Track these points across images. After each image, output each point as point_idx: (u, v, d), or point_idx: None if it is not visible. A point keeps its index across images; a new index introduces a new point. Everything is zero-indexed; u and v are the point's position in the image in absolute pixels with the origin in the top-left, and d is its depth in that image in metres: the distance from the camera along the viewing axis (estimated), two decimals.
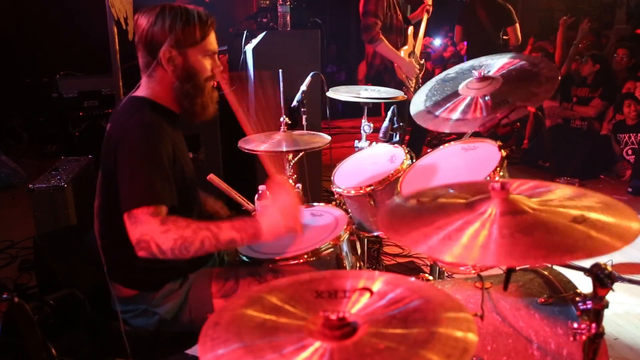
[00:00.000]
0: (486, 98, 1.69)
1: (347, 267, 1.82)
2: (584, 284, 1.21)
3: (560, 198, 1.07)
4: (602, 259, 0.96)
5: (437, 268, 2.10)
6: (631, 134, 4.83)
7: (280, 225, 1.53)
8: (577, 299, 1.05)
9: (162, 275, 1.67)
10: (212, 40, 1.65)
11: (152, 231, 1.42)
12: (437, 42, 9.00)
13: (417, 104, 1.90)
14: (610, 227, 0.94)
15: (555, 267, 1.57)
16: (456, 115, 1.74)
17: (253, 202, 2.29)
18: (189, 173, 1.71)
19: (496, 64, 1.85)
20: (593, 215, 0.98)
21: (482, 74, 1.77)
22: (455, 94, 1.83)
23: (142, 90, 1.65)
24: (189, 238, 1.43)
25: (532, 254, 0.89)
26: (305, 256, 1.70)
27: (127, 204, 1.45)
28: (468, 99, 1.76)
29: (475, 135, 2.03)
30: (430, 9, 4.31)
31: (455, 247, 0.94)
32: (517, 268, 1.59)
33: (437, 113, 1.79)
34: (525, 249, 0.90)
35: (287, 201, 1.57)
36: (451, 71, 1.98)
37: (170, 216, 1.46)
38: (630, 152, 4.85)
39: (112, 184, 1.55)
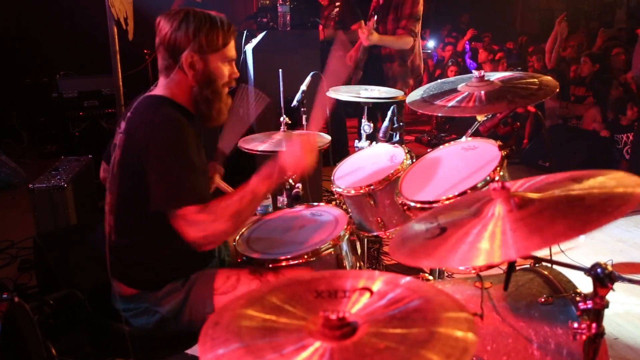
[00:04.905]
0: (482, 92, 1.72)
1: (347, 267, 1.82)
2: (584, 284, 1.21)
3: (558, 184, 1.09)
4: (602, 259, 0.96)
5: (437, 268, 2.10)
6: (629, 134, 4.85)
7: (299, 156, 1.62)
8: (577, 298, 1.05)
9: (166, 275, 1.68)
10: (232, 47, 1.68)
11: (208, 226, 1.51)
12: (431, 43, 8.98)
13: (413, 96, 1.93)
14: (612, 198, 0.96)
15: (555, 267, 1.57)
16: (452, 104, 1.77)
17: None
18: (205, 171, 1.76)
19: (497, 74, 1.88)
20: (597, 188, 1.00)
21: (481, 73, 1.79)
22: (453, 90, 1.85)
23: (160, 90, 1.67)
24: (237, 210, 1.55)
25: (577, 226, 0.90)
26: (305, 256, 1.70)
27: (171, 202, 1.51)
28: (465, 93, 1.78)
29: (476, 135, 2.04)
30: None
31: (484, 249, 0.95)
32: (517, 268, 1.59)
33: (433, 102, 1.82)
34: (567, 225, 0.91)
35: (304, 139, 1.65)
36: (452, 78, 2.02)
37: (210, 204, 1.54)
38: (630, 151, 4.87)
39: (133, 180, 1.57)
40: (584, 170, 1.12)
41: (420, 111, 1.86)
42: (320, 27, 4.35)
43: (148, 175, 1.52)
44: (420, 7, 3.73)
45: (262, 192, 1.60)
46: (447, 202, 1.62)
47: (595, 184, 1.04)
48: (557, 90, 1.71)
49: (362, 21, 4.14)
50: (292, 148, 1.63)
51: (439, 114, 1.81)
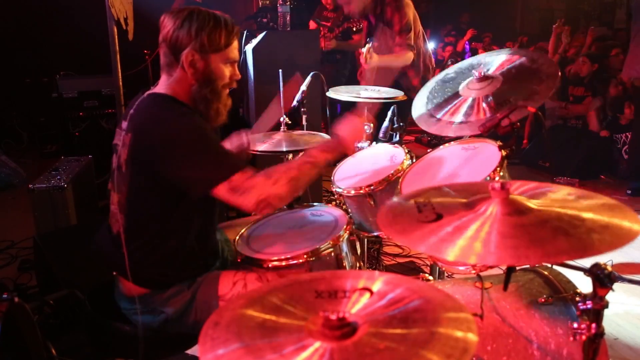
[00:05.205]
0: (489, 99, 1.71)
1: (347, 267, 1.82)
2: (584, 284, 1.21)
3: (559, 199, 1.08)
4: (602, 259, 0.96)
5: (437, 268, 2.10)
6: (628, 134, 4.85)
7: (354, 131, 1.80)
8: (577, 299, 1.05)
9: (173, 275, 1.68)
10: (234, 48, 1.68)
11: (266, 189, 1.57)
12: (431, 44, 8.99)
13: (419, 107, 1.91)
14: (611, 228, 0.94)
15: (555, 267, 1.57)
16: (459, 118, 1.76)
17: None
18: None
19: (495, 61, 1.86)
20: (592, 216, 0.98)
21: (481, 73, 1.78)
22: (456, 95, 1.83)
23: (161, 88, 1.67)
24: (296, 175, 1.63)
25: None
26: (305, 256, 1.70)
27: (219, 176, 1.54)
28: (470, 100, 1.76)
29: (475, 135, 2.03)
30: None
31: (469, 245, 0.94)
32: (517, 268, 1.59)
33: (439, 116, 1.81)
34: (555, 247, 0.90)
35: (354, 119, 1.84)
36: (450, 71, 2.00)
37: (267, 169, 1.61)
38: (628, 150, 4.87)
39: (145, 177, 1.58)
40: (581, 189, 1.11)
41: (429, 131, 1.85)
42: (321, 36, 4.25)
43: (178, 170, 1.55)
44: (409, 17, 3.63)
45: (321, 161, 1.70)
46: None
47: (592, 206, 1.02)
48: (559, 74, 1.69)
49: (362, 36, 4.10)
50: (348, 125, 1.80)
51: (450, 134, 1.81)
